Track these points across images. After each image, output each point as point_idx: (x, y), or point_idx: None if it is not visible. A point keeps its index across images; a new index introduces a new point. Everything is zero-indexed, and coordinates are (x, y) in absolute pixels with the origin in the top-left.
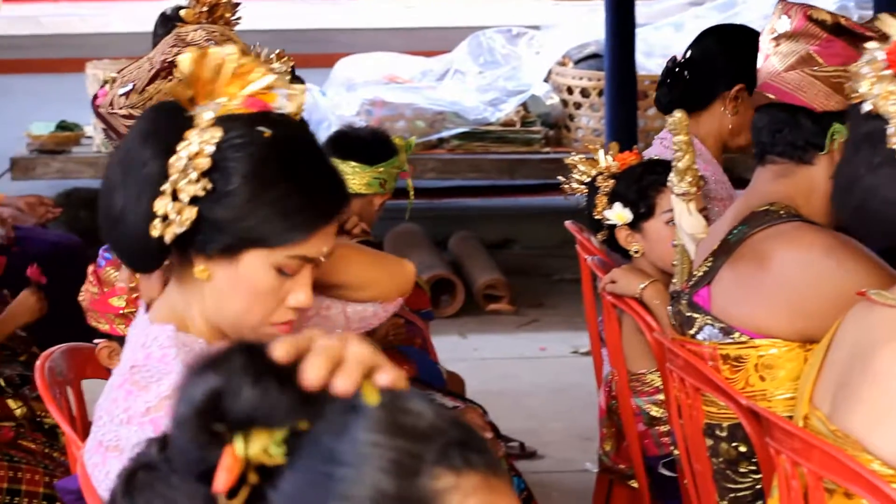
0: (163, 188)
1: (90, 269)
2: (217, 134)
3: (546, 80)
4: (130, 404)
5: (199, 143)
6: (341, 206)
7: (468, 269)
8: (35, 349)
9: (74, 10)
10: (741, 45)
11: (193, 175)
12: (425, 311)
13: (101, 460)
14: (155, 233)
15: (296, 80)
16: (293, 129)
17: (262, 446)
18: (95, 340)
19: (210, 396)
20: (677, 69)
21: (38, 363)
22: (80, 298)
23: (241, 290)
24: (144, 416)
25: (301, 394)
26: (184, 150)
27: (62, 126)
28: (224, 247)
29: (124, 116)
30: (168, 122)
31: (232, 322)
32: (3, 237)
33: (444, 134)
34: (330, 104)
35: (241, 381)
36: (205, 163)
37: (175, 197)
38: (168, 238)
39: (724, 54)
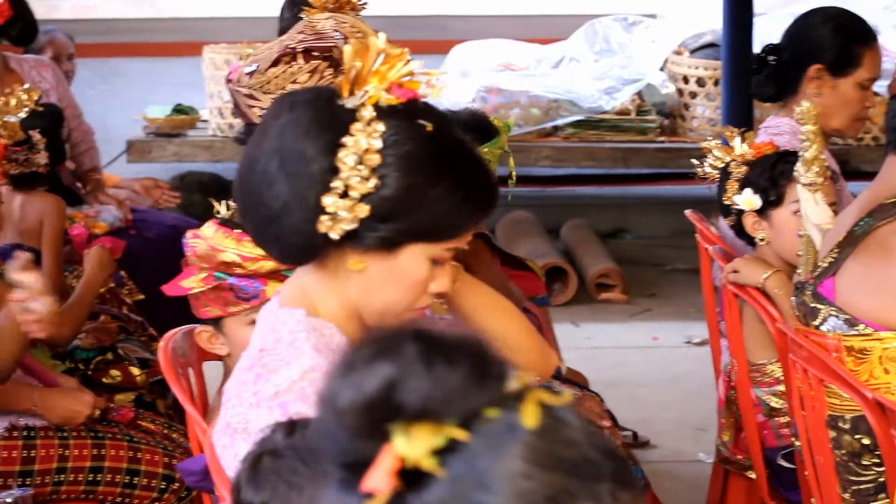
0: (333, 185)
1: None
2: (380, 128)
3: (661, 69)
4: (259, 387)
5: (366, 139)
6: (497, 196)
7: (580, 257)
8: (151, 331)
9: None
10: (821, 25)
11: (364, 172)
12: (541, 298)
13: (230, 442)
14: (323, 229)
15: None
16: (446, 120)
17: (423, 446)
18: (199, 327)
19: (384, 386)
20: (766, 55)
21: (161, 344)
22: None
23: (396, 282)
24: (273, 399)
25: (470, 387)
26: (352, 146)
27: (178, 109)
28: (385, 242)
29: (246, 95)
30: (328, 115)
31: (379, 310)
32: (122, 220)
33: (559, 122)
34: (445, 91)
35: (415, 371)
36: (375, 159)
37: (345, 194)
38: (336, 234)
39: (802, 36)
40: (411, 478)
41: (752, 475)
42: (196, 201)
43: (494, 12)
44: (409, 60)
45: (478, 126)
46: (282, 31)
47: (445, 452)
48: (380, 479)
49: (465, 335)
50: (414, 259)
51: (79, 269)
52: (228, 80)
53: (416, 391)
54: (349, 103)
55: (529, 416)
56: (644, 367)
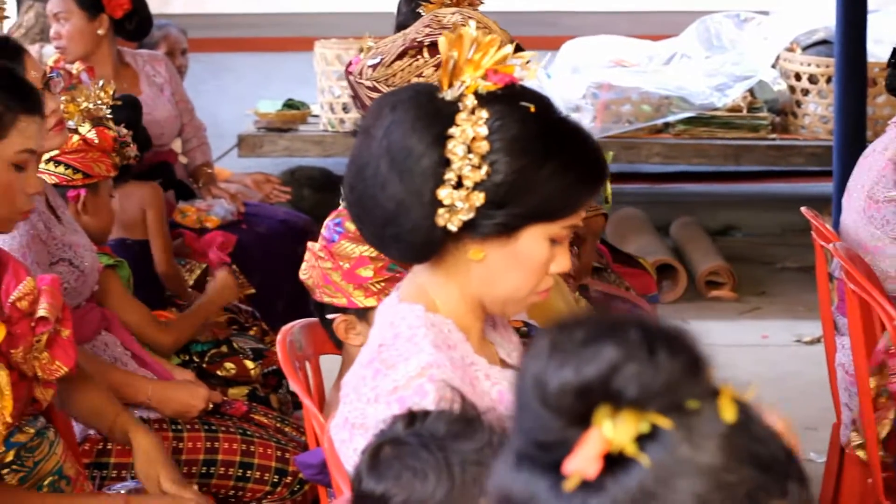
0: (446, 177)
1: (316, 245)
2: (484, 115)
3: (773, 66)
4: (378, 382)
5: (472, 128)
6: (606, 170)
7: (690, 254)
8: (264, 325)
9: None
10: None
11: (475, 160)
12: (652, 295)
13: (349, 437)
14: (441, 222)
15: None
16: (546, 99)
17: (629, 432)
18: (329, 315)
19: (606, 370)
20: None
21: (279, 337)
22: (303, 277)
23: (518, 266)
24: (392, 394)
25: (684, 378)
26: (459, 136)
27: (289, 104)
28: (504, 227)
29: (369, 88)
30: (431, 109)
31: (504, 298)
32: (234, 213)
33: (670, 118)
34: (555, 87)
35: (638, 357)
36: (484, 146)
37: (459, 184)
38: (454, 226)
39: None
40: (610, 462)
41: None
42: (306, 196)
43: (606, 8)
44: (501, 45)
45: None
46: (399, 26)
47: (647, 439)
48: (586, 462)
49: (680, 326)
50: (534, 241)
51: (191, 262)
52: (349, 73)
53: (637, 378)
54: (449, 95)
55: (728, 410)
56: (753, 365)
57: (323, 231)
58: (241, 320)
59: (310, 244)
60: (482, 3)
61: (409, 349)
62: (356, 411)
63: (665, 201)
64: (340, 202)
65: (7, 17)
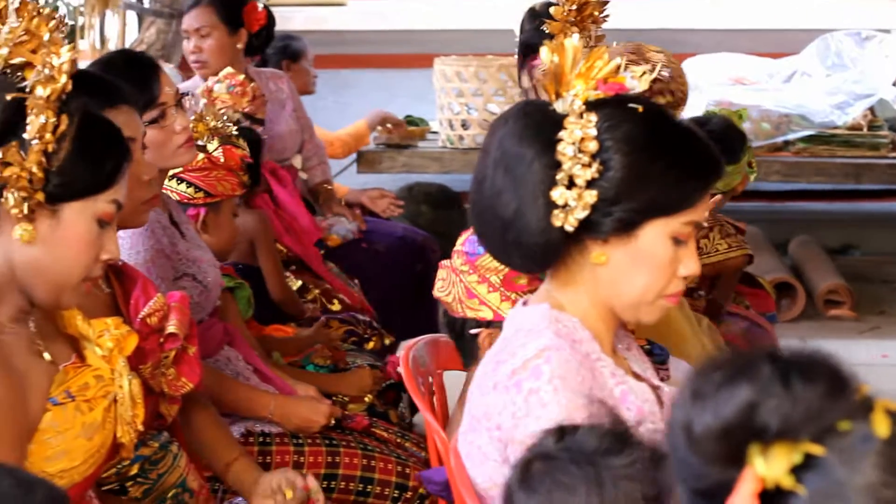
0: (557, 178)
1: (456, 261)
2: (592, 118)
3: (894, 85)
4: (498, 372)
5: (580, 129)
6: (721, 166)
7: (808, 273)
8: (387, 339)
9: (422, 5)
10: None
11: (585, 159)
12: (770, 314)
13: (474, 436)
14: (557, 222)
15: None
16: (655, 104)
17: (782, 465)
18: (473, 330)
19: (743, 409)
20: None
21: (402, 353)
22: (440, 294)
23: (642, 266)
24: (509, 379)
25: (827, 402)
26: (567, 138)
27: (408, 121)
28: (622, 224)
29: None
30: (540, 118)
31: (630, 301)
32: (354, 232)
33: (790, 136)
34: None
35: (773, 391)
36: (593, 146)
37: (571, 184)
38: (571, 226)
39: None
40: (769, 498)
41: None
42: (423, 212)
43: (726, 26)
44: (610, 58)
45: (724, 136)
46: (522, 43)
47: (801, 469)
48: (745, 502)
49: (815, 350)
50: (655, 238)
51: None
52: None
53: (777, 411)
54: (559, 107)
55: (881, 425)
56: (873, 384)
57: (462, 247)
58: (359, 331)
59: (444, 262)
60: (605, 21)
61: (528, 337)
62: (478, 405)
63: (784, 219)
64: None
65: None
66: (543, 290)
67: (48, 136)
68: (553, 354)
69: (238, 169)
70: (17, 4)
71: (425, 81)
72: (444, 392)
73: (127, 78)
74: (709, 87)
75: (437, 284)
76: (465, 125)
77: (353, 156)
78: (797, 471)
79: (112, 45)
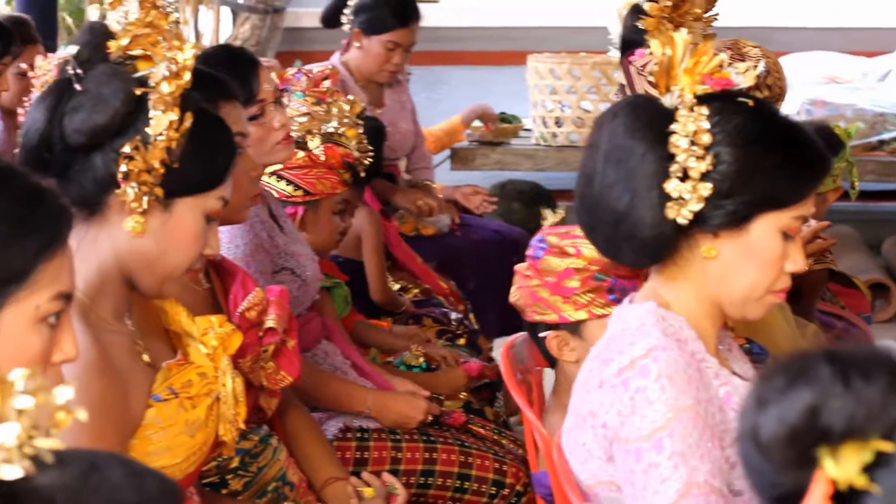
0: (671, 170)
1: (523, 266)
2: (704, 111)
3: None
4: (604, 370)
5: (693, 122)
6: (830, 161)
7: None
8: (482, 342)
9: (516, 2)
10: None
11: (699, 151)
12: (865, 315)
13: (578, 433)
14: (671, 214)
15: None
16: (762, 99)
17: (853, 465)
18: (541, 333)
19: (806, 413)
20: None
21: (502, 350)
22: (513, 299)
23: (752, 260)
24: (616, 377)
25: (890, 398)
26: (681, 130)
27: (501, 118)
28: (735, 217)
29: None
30: (650, 112)
31: (739, 296)
32: (449, 224)
33: (885, 136)
34: None
35: (834, 392)
36: (707, 138)
37: (685, 177)
38: (684, 218)
39: None
40: (843, 499)
41: None
42: (515, 210)
43: (819, 24)
44: (715, 54)
45: (827, 137)
46: (623, 39)
47: (873, 467)
48: None
49: (874, 347)
50: (765, 232)
51: (406, 283)
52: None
53: (840, 412)
54: (667, 101)
55: None
56: None
57: (528, 251)
58: (451, 329)
59: (517, 266)
60: (716, 19)
61: (636, 336)
62: (583, 402)
63: (878, 219)
64: (542, 222)
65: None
66: (649, 287)
67: (172, 132)
68: (661, 354)
69: (339, 167)
70: None
71: (518, 78)
72: (542, 388)
73: (228, 73)
74: (802, 86)
75: (511, 290)
76: (558, 122)
77: (447, 152)
78: (869, 469)
79: (206, 41)
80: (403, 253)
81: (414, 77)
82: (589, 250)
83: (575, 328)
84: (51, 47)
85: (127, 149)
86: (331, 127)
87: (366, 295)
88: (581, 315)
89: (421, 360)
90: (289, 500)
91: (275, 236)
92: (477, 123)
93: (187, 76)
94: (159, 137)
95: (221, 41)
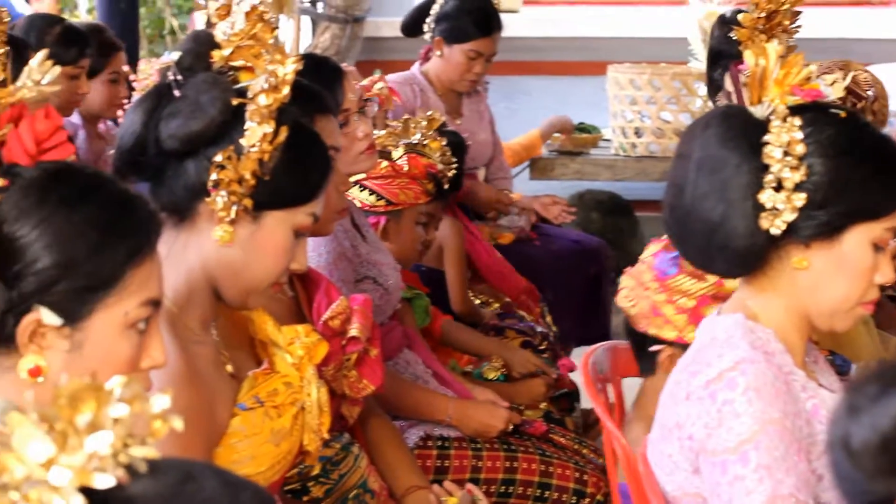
0: (765, 181)
1: (645, 275)
2: (797, 122)
3: None
4: (692, 382)
5: (786, 133)
6: None
7: None
8: (564, 359)
9: (595, 13)
10: None
11: (793, 161)
12: None
13: (664, 445)
14: (765, 224)
15: None
16: (853, 110)
17: None
18: (654, 347)
19: None
20: None
21: (582, 359)
22: (624, 304)
23: (843, 272)
24: (704, 389)
25: None
26: (774, 141)
27: (581, 128)
28: (827, 228)
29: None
30: (742, 122)
31: (829, 308)
32: (524, 227)
33: None
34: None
35: None
36: (801, 149)
37: (779, 187)
38: (778, 229)
39: None
40: None
41: None
42: (594, 220)
43: None
44: (806, 64)
45: None
46: (711, 50)
47: None
48: None
49: None
50: (857, 244)
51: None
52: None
53: None
54: (758, 112)
55: None
56: None
57: (654, 261)
58: (534, 343)
59: (631, 270)
60: (797, 31)
61: (724, 348)
62: (670, 414)
63: None
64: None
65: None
66: (737, 298)
67: (265, 145)
68: (749, 367)
69: (422, 178)
70: (247, 8)
71: (597, 89)
72: (622, 399)
73: (313, 83)
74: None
75: (622, 293)
76: (638, 133)
77: (526, 162)
78: None
79: (286, 51)
80: (488, 257)
81: (493, 87)
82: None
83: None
84: (133, 56)
85: (219, 157)
86: (414, 138)
87: (447, 306)
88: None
89: (499, 372)
90: None
91: (357, 245)
92: (557, 134)
93: (286, 90)
94: (252, 149)
95: (301, 51)
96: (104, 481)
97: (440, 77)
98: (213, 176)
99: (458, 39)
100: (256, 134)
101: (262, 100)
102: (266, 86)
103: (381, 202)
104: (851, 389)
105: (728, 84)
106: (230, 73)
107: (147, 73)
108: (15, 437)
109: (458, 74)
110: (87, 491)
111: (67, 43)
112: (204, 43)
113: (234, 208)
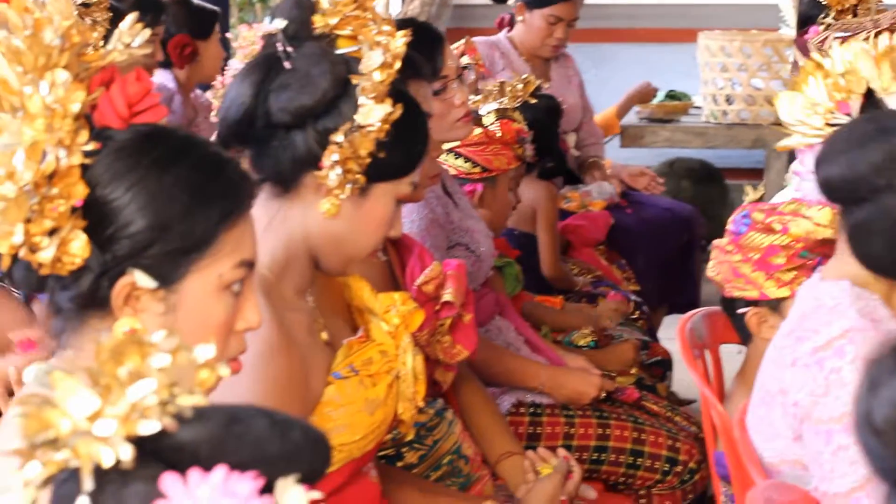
0: None
1: (723, 241)
2: None
3: None
4: (798, 348)
5: None
6: None
7: None
8: (648, 314)
9: None
10: None
11: None
12: None
13: (766, 411)
14: None
15: None
16: None
17: None
18: (740, 310)
19: None
20: None
21: (679, 325)
22: (711, 274)
23: None
24: (811, 356)
25: None
26: None
27: (671, 95)
28: None
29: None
30: None
31: None
32: (615, 195)
33: None
34: None
35: None
36: None
37: None
38: None
39: None
40: None
41: None
42: (684, 188)
43: None
44: None
45: None
46: (800, 16)
47: None
48: None
49: None
50: None
51: (580, 267)
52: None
53: None
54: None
55: None
56: None
57: (729, 226)
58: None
59: (715, 242)
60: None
61: (832, 315)
62: (774, 379)
63: None
64: (744, 198)
65: None
66: (840, 264)
67: (383, 123)
68: (857, 335)
69: (514, 143)
70: None
71: (687, 56)
72: (720, 365)
73: (415, 49)
74: None
75: (710, 264)
76: (729, 100)
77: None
78: None
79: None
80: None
81: (582, 54)
82: (795, 227)
83: (775, 305)
84: (224, 24)
85: (338, 137)
86: (507, 102)
87: (538, 271)
88: (783, 293)
89: (590, 338)
90: (463, 473)
91: (450, 212)
92: (638, 107)
93: (398, 65)
94: (370, 128)
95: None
96: (149, 427)
97: (523, 42)
98: (334, 157)
99: (538, 4)
100: (375, 113)
101: (377, 76)
102: (381, 62)
103: (477, 169)
104: (871, 364)
105: (799, 52)
106: (330, 39)
107: (250, 41)
108: (57, 393)
109: (539, 39)
110: (136, 441)
111: (142, 9)
112: (307, 8)
113: (349, 186)
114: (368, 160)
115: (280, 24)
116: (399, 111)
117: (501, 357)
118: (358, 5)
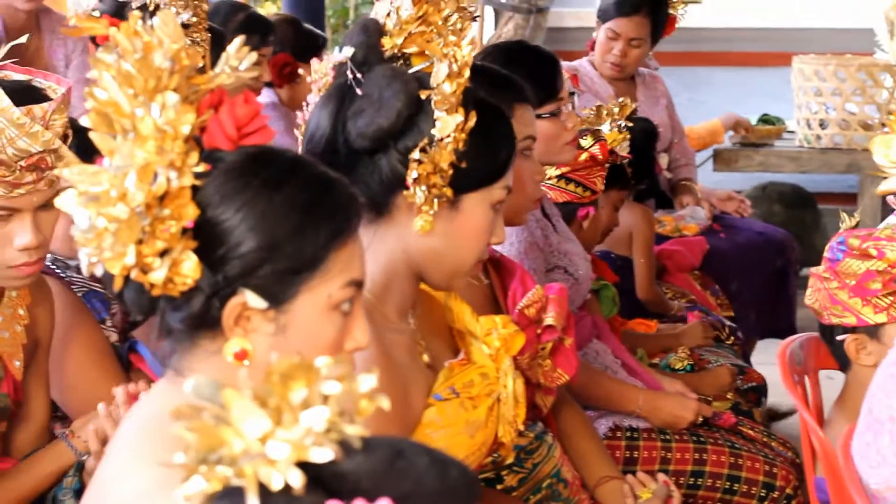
0: None
1: (819, 269)
2: None
3: None
4: None
5: None
6: None
7: None
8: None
9: (778, 3)
10: None
11: None
12: None
13: (873, 437)
14: None
15: None
16: None
17: None
18: (839, 336)
19: None
20: None
21: (779, 350)
22: (808, 302)
23: None
24: None
25: None
26: None
27: (764, 119)
28: None
29: None
30: None
31: None
32: (708, 219)
33: None
34: None
35: None
36: None
37: None
38: None
39: None
40: None
41: None
42: (776, 212)
43: None
44: None
45: None
46: None
47: None
48: None
49: None
50: None
51: (674, 290)
52: None
53: None
54: None
55: None
56: None
57: (826, 253)
58: (721, 337)
59: (812, 269)
60: None
61: None
62: (882, 406)
63: None
64: (841, 225)
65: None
66: None
67: (458, 134)
68: None
69: (605, 160)
70: None
71: (780, 80)
72: (819, 390)
73: (532, 72)
74: None
75: (807, 293)
76: (822, 125)
77: (709, 151)
78: None
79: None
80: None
81: (675, 78)
82: (891, 252)
83: (873, 331)
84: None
85: (416, 154)
86: (605, 126)
87: (633, 294)
88: (881, 318)
89: (686, 362)
90: (563, 497)
91: (548, 235)
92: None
93: (467, 73)
94: (447, 139)
95: (484, 41)
96: (322, 455)
97: (596, 60)
98: (414, 174)
99: (602, 18)
100: (449, 124)
101: (447, 88)
102: (448, 73)
103: (588, 193)
104: None
105: None
106: (402, 59)
107: (322, 72)
108: (233, 412)
109: (600, 54)
110: (300, 466)
111: (250, 30)
112: (373, 32)
113: (437, 201)
114: (451, 172)
115: (348, 51)
116: (473, 119)
117: (599, 380)
118: (422, 21)
